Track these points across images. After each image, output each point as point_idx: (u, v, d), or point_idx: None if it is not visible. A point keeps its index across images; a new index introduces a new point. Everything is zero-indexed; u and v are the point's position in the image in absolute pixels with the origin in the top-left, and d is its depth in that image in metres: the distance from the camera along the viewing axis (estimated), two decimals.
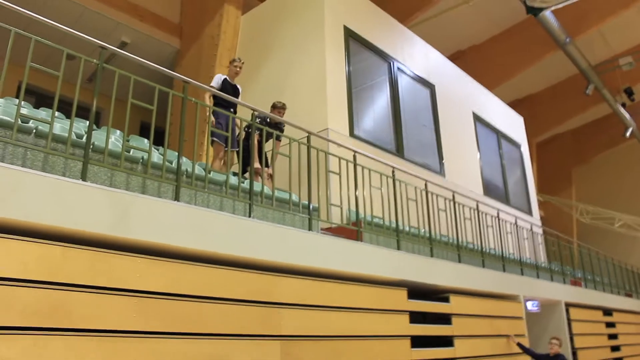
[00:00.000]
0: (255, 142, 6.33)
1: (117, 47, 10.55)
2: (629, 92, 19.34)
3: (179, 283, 3.96)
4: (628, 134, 21.96)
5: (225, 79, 7.28)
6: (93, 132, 5.18)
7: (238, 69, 7.36)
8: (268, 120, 7.09)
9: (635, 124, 22.16)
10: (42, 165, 3.96)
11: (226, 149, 6.78)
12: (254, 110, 5.63)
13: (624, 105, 20.24)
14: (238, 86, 7.47)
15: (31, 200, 3.27)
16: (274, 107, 7.42)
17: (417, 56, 11.53)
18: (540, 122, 21.57)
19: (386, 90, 10.08)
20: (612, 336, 12.13)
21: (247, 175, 6.27)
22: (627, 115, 20.88)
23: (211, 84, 7.15)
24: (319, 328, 5.01)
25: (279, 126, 7.30)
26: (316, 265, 5.13)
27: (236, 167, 6.76)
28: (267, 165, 7.05)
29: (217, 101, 6.87)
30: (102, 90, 4.52)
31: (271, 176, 6.29)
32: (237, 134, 6.95)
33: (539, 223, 15.08)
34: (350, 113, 8.82)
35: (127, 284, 3.64)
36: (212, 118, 6.52)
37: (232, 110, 6.77)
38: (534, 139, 21.32)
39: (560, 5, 12.29)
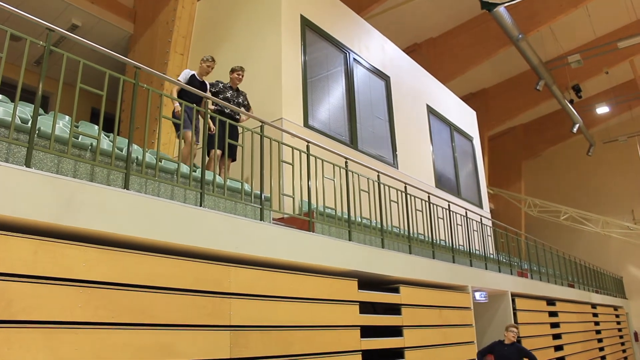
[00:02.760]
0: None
1: (68, 30, 10.27)
2: (577, 89, 19.94)
3: (127, 273, 3.90)
4: (575, 129, 22.66)
5: (193, 75, 7.23)
6: (41, 117, 5.05)
7: (210, 70, 7.40)
8: (226, 110, 7.14)
9: (582, 120, 22.88)
10: None
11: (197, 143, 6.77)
12: (211, 100, 5.57)
13: (572, 101, 20.87)
14: (206, 82, 7.44)
15: None
16: (233, 70, 7.62)
17: (373, 48, 11.60)
18: (492, 116, 22.08)
19: (341, 81, 10.11)
20: (555, 325, 12.55)
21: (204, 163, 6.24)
22: (574, 112, 21.53)
23: (179, 78, 7.18)
24: (269, 318, 5.02)
25: (234, 116, 7.30)
26: (267, 256, 5.13)
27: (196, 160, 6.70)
28: (229, 156, 7.09)
29: (182, 95, 6.82)
30: (52, 74, 4.38)
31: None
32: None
33: (489, 215, 15.43)
34: (305, 103, 8.81)
35: (73, 273, 3.56)
36: (181, 112, 6.46)
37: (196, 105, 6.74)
38: (486, 133, 21.78)
39: (514, 2, 12.54)
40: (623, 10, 18.31)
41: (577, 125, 22.52)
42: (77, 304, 3.54)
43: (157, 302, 4.06)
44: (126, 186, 4.31)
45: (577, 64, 18.17)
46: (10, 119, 3.95)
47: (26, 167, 3.63)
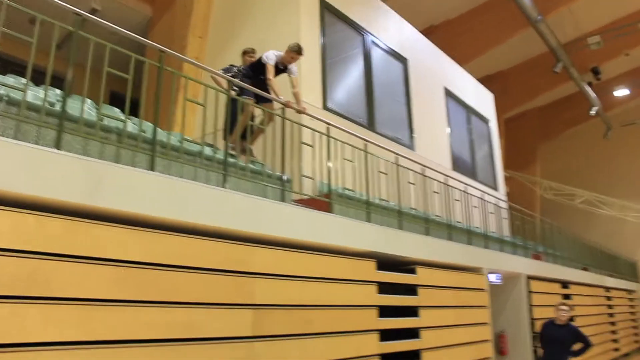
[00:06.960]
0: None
1: (88, 13, 10.30)
2: (596, 72, 19.69)
3: (155, 252, 4.00)
4: (593, 112, 22.43)
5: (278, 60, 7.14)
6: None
7: (293, 61, 7.19)
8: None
9: (601, 103, 22.65)
10: (15, 134, 3.93)
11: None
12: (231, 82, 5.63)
13: (590, 84, 20.63)
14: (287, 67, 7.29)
15: (2, 168, 3.23)
16: (245, 52, 7.60)
17: (391, 30, 11.56)
18: (509, 98, 21.86)
19: (359, 63, 10.11)
20: None
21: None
22: (592, 94, 21.30)
23: (267, 55, 7.03)
24: (290, 297, 5.12)
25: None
26: (288, 236, 5.21)
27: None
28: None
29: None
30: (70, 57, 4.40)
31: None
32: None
33: (505, 198, 15.42)
34: (324, 85, 8.84)
35: (104, 253, 3.67)
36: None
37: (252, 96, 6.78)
38: (503, 115, 21.63)
39: None
40: None
41: (595, 108, 22.29)
42: (108, 282, 3.66)
43: (183, 280, 4.17)
44: (152, 167, 4.40)
45: (596, 46, 17.93)
46: (37, 102, 4.04)
47: (56, 149, 3.72)
